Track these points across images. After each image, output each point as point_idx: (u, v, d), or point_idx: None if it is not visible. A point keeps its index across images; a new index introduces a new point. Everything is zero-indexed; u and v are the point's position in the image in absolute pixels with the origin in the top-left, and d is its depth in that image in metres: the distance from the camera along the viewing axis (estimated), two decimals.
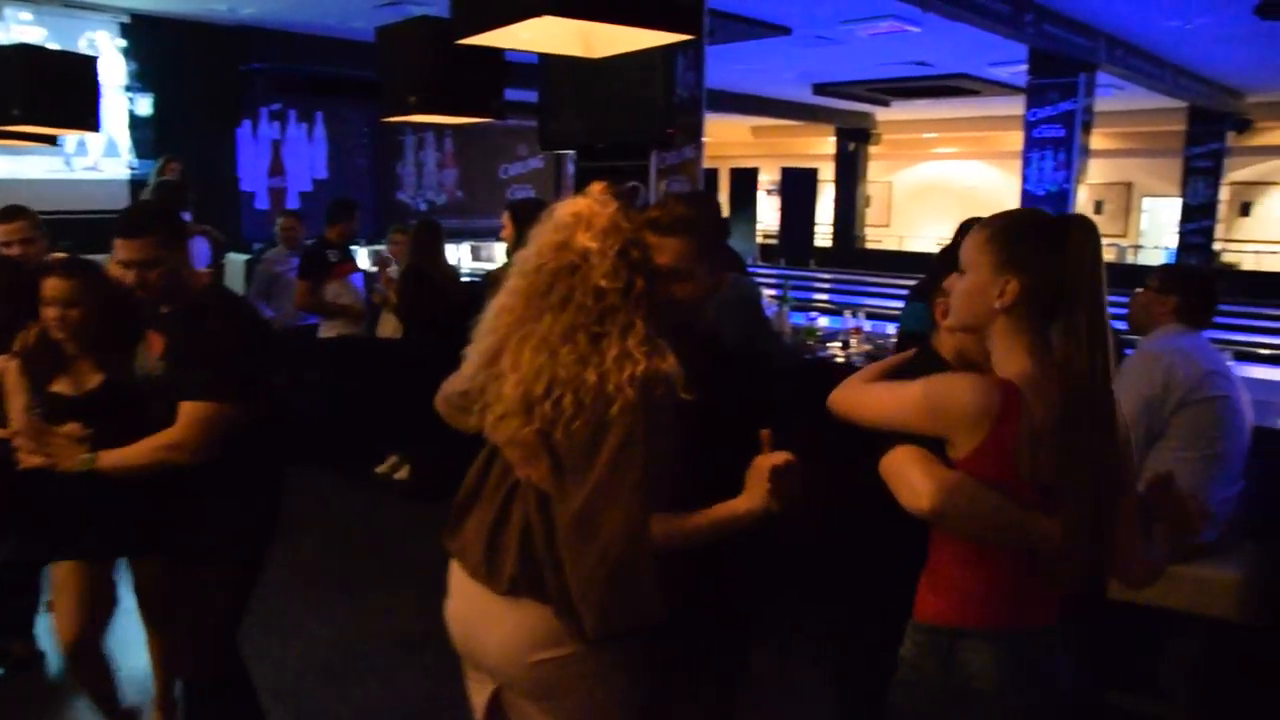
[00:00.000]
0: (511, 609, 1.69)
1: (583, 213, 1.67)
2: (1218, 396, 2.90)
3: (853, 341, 4.73)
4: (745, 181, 21.06)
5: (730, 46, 12.34)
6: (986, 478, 1.58)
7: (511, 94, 4.93)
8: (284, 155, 12.06)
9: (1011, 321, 1.62)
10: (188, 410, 2.36)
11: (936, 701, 1.69)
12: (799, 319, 4.73)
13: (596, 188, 1.73)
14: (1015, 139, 11.80)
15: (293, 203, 11.77)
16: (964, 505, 1.59)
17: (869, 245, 21.99)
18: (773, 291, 4.80)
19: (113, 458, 2.36)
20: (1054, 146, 11.17)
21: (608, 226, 1.65)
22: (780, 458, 1.61)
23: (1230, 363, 3.16)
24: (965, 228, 3.50)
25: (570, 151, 6.32)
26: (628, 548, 1.55)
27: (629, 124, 5.27)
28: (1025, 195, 11.44)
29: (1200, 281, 3.09)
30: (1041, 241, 1.60)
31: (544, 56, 4.95)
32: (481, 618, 1.74)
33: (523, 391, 1.63)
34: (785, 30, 11.45)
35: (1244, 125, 17.83)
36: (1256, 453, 3.04)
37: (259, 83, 11.46)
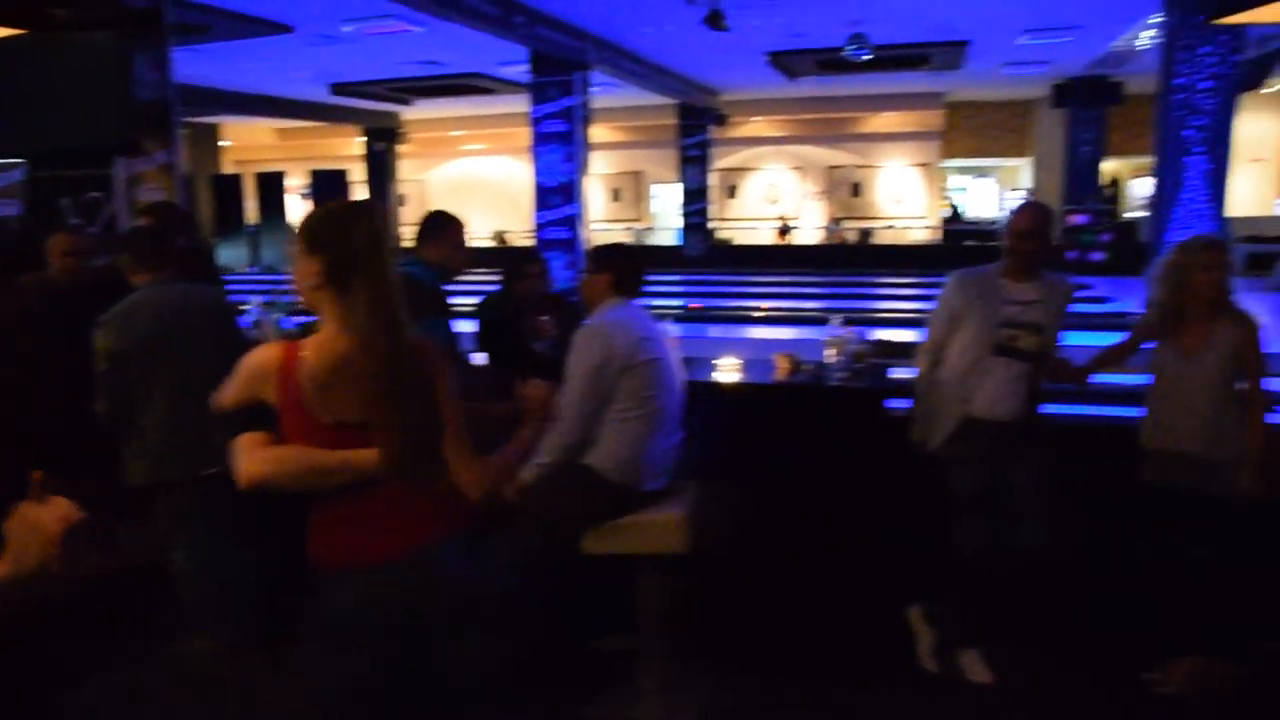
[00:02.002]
0: None
1: None
2: (651, 360, 3.25)
3: None
4: (273, 186, 20.04)
5: (235, 45, 11.70)
6: (292, 423, 1.90)
7: None
8: None
9: (326, 295, 1.94)
10: None
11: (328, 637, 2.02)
12: (291, 323, 4.60)
13: None
14: (530, 134, 12.46)
15: None
16: (276, 469, 1.89)
17: (409, 244, 22.02)
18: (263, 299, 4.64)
19: None
20: (559, 140, 11.97)
21: None
22: (61, 512, 1.27)
23: (663, 326, 3.56)
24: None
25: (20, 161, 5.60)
26: None
27: (83, 129, 4.80)
28: (538, 187, 12.15)
29: (627, 257, 3.43)
30: (331, 227, 1.93)
31: None
32: None
33: None
34: (287, 28, 11.10)
35: (722, 119, 20.45)
36: (693, 404, 3.49)
37: None
